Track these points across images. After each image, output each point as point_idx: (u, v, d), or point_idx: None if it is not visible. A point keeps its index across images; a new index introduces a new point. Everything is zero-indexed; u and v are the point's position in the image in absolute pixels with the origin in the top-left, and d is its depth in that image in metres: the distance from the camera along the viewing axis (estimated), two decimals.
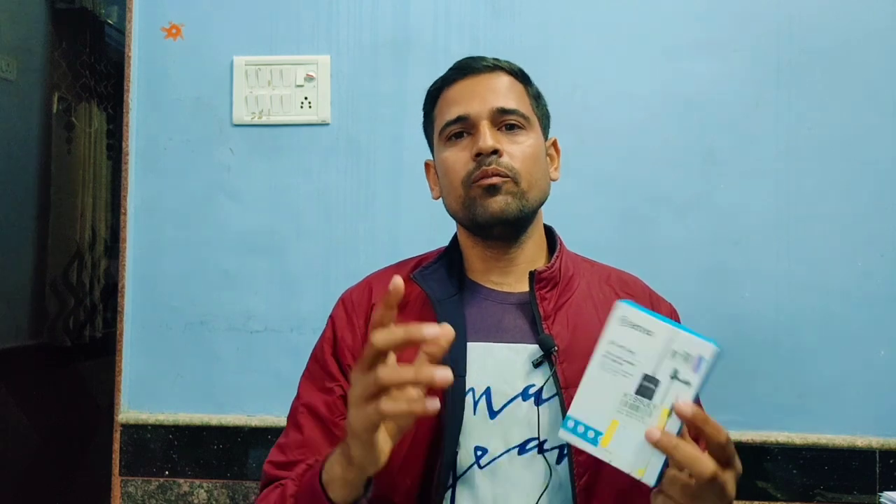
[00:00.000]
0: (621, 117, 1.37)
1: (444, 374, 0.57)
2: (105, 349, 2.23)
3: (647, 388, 0.64)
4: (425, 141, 1.00)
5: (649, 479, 0.63)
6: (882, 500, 1.14)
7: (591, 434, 0.65)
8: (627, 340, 0.65)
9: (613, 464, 0.64)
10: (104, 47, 2.37)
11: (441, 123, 0.91)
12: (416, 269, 0.93)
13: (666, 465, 0.64)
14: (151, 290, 1.44)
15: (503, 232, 0.89)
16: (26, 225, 2.10)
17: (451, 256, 0.95)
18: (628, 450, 0.64)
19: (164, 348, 1.43)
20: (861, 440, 1.30)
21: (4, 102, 1.99)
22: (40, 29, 2.14)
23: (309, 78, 1.41)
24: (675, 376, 0.63)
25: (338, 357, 0.91)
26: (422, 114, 0.98)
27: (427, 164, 0.99)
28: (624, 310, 0.66)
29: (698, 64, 1.36)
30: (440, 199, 0.95)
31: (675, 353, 0.63)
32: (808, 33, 1.35)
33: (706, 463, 0.61)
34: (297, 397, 0.93)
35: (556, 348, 0.84)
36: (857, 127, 1.33)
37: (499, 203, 0.85)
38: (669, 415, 0.62)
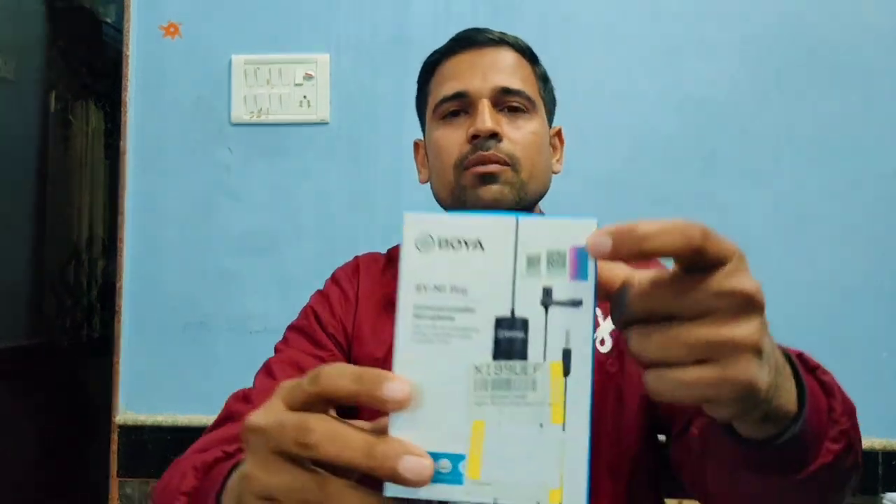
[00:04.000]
0: (622, 117, 1.36)
1: (416, 466, 0.34)
2: (103, 350, 2.22)
3: (510, 340, 0.36)
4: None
5: (575, 499, 0.35)
6: (884, 501, 1.13)
7: (444, 466, 0.35)
8: (445, 274, 0.37)
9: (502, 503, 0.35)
10: (102, 46, 2.36)
11: (436, 99, 0.83)
12: None
13: (589, 477, 0.35)
14: (149, 291, 1.43)
15: None
16: (23, 224, 2.09)
17: None
18: (519, 464, 0.36)
19: (162, 349, 1.42)
20: (863, 441, 1.30)
21: (2, 101, 1.98)
22: (38, 27, 2.13)
23: (308, 77, 1.41)
24: (550, 300, 0.36)
25: (326, 324, 0.83)
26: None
27: (416, 144, 0.92)
28: (418, 223, 0.37)
29: (699, 64, 1.36)
30: (427, 182, 0.89)
31: (533, 259, 0.36)
32: (809, 33, 1.34)
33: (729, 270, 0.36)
34: (273, 360, 0.81)
35: None
36: (859, 127, 1.33)
37: (493, 193, 0.77)
38: (567, 371, 0.36)
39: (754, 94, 1.35)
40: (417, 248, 0.37)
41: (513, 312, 0.36)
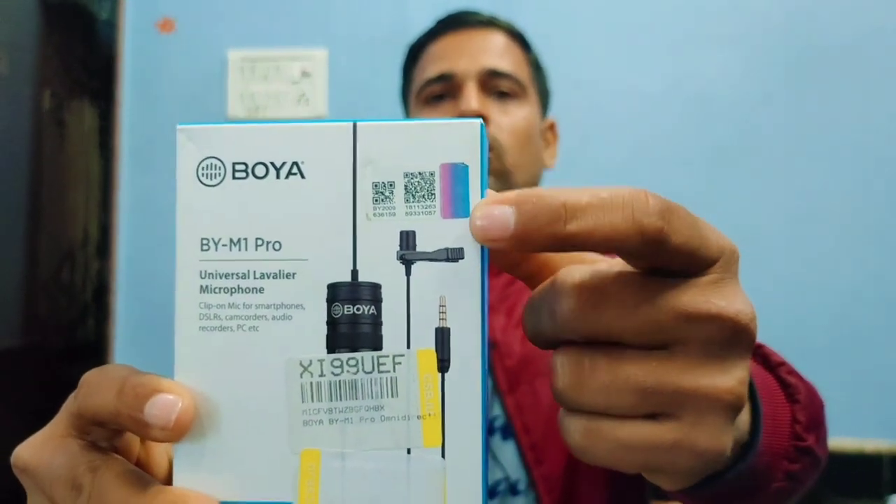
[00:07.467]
0: (626, 114, 1.35)
1: None
2: (98, 351, 2.20)
3: (352, 319, 0.25)
4: None
5: None
6: None
7: None
8: (246, 218, 0.25)
9: None
10: (97, 42, 2.34)
11: (420, 83, 0.79)
12: None
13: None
14: (144, 291, 1.41)
15: None
16: (17, 224, 2.07)
17: None
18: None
19: (157, 351, 1.39)
20: (869, 444, 1.29)
21: None
22: (31, 23, 2.11)
23: (305, 74, 1.39)
24: (412, 252, 0.25)
25: None
26: None
27: None
28: (200, 140, 0.25)
29: (705, 59, 1.34)
30: None
31: (383, 187, 0.25)
32: (817, 28, 1.33)
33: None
34: None
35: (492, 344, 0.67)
36: (868, 124, 1.31)
37: None
38: (444, 363, 0.24)
39: (761, 91, 1.33)
40: (200, 179, 0.25)
41: (354, 274, 0.24)
